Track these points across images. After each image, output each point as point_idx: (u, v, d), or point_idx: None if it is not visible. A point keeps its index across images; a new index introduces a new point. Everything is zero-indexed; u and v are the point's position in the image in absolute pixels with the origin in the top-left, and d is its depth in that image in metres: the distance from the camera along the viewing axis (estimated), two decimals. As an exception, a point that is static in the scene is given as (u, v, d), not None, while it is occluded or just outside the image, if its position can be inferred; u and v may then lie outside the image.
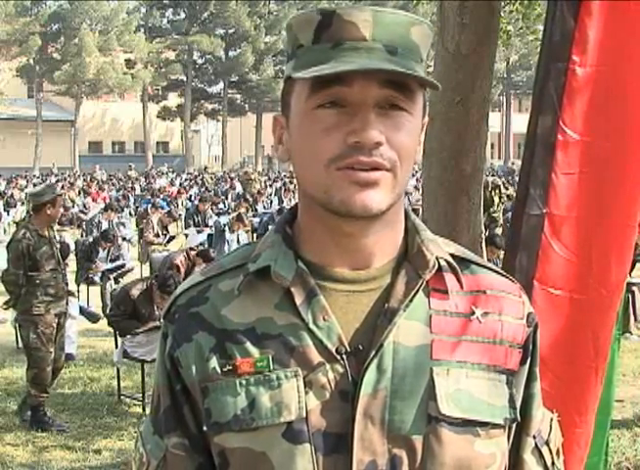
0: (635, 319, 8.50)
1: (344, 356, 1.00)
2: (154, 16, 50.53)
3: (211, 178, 32.15)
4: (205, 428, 1.03)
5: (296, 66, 1.01)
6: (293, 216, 1.10)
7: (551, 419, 1.18)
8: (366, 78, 0.96)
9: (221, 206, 18.70)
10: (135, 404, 6.21)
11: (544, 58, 2.12)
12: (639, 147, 2.07)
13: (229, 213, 13.76)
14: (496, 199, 10.73)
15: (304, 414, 0.99)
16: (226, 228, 11.91)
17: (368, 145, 0.96)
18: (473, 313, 1.06)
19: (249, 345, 1.02)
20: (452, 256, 1.08)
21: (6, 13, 42.53)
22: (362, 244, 1.03)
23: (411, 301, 1.03)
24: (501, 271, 1.14)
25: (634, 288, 8.28)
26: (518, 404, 1.08)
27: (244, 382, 1.01)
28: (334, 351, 1.00)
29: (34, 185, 28.34)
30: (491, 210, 10.27)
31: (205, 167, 33.22)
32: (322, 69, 0.95)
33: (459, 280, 1.07)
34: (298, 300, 1.02)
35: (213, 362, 1.03)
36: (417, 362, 1.01)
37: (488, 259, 3.92)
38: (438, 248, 1.07)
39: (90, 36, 44.35)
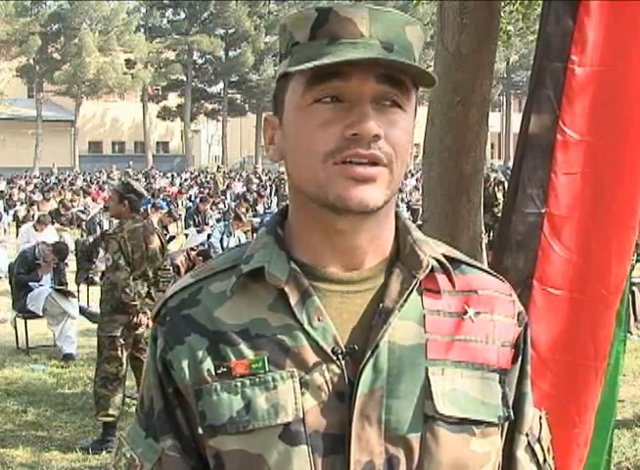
0: (635, 319, 8.49)
1: (340, 357, 0.99)
2: (154, 16, 50.53)
3: (212, 178, 31.99)
4: (200, 431, 1.02)
5: (291, 62, 1.00)
6: (283, 218, 1.10)
7: (540, 417, 1.19)
8: (364, 73, 0.96)
9: (221, 206, 18.70)
10: (135, 404, 6.19)
11: (539, 57, 2.11)
12: (639, 147, 2.06)
13: (227, 219, 13.72)
14: (499, 195, 10.69)
15: (301, 415, 0.98)
16: (224, 236, 11.90)
17: (366, 137, 0.96)
18: (465, 313, 1.06)
19: (243, 346, 1.01)
20: (444, 256, 1.08)
21: (6, 13, 42.56)
22: (355, 242, 1.03)
23: (405, 300, 1.02)
24: (491, 271, 1.14)
25: (634, 288, 8.27)
26: (510, 403, 1.09)
27: (239, 384, 1.00)
28: (329, 351, 0.99)
29: (35, 185, 28.36)
30: (495, 209, 10.21)
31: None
32: (322, 60, 0.95)
33: (451, 280, 1.07)
34: (293, 300, 1.01)
35: (207, 364, 1.02)
36: (412, 362, 1.01)
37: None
38: (430, 248, 1.08)
39: (90, 36, 44.37)
